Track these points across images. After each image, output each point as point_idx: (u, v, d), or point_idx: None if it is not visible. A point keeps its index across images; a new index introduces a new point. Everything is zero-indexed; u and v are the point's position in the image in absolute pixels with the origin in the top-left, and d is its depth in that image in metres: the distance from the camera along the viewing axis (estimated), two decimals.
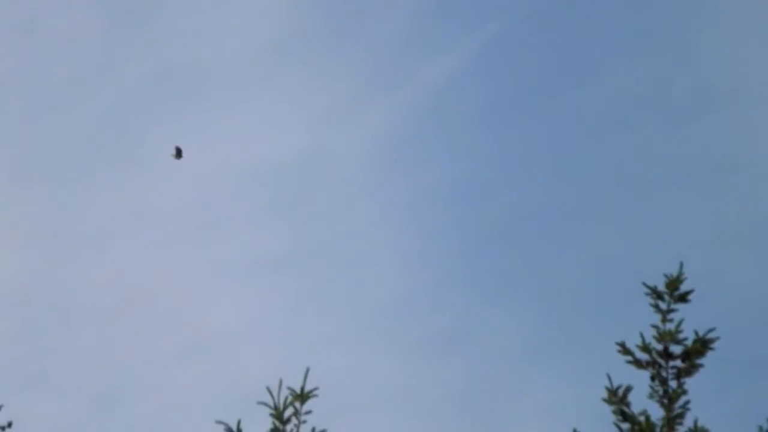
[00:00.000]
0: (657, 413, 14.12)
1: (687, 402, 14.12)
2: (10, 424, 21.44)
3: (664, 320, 14.45)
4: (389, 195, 46.80)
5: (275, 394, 13.93)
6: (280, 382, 13.92)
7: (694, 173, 43.86)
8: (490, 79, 48.82)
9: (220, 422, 13.80)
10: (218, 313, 43.11)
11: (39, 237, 44.00)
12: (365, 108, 47.61)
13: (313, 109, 47.23)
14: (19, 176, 44.36)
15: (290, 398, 13.95)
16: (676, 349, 14.34)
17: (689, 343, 14.29)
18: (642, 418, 13.93)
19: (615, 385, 14.19)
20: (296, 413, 13.99)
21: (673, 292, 14.46)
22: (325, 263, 45.02)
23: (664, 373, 14.26)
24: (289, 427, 13.87)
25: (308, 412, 14.05)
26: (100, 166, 44.33)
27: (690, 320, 14.41)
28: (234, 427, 13.79)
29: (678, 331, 14.33)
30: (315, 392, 14.06)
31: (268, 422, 13.98)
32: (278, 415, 13.87)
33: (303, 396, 13.99)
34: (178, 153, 32.44)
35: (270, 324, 41.88)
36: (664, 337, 14.32)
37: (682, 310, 14.51)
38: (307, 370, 13.98)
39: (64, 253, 43.60)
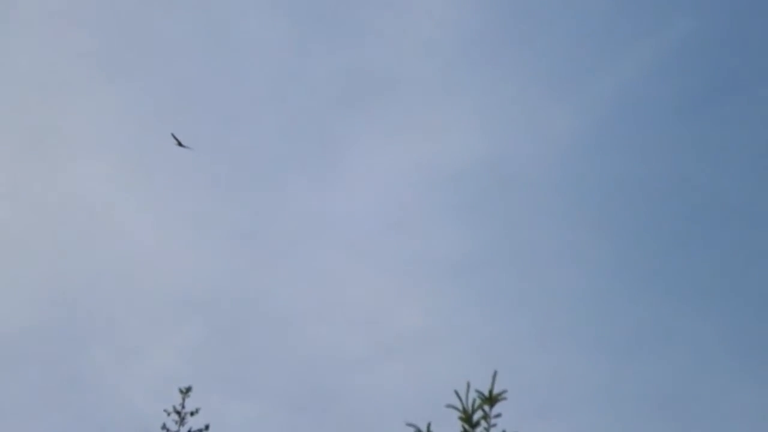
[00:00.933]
0: None
1: None
2: (207, 427, 21.95)
3: None
4: (575, 196, 46.14)
5: (463, 396, 13.80)
6: (468, 385, 13.79)
7: None
8: (680, 75, 47.65)
9: (410, 425, 13.75)
10: (406, 315, 43.34)
11: (238, 241, 45.08)
12: (549, 110, 47.14)
13: (498, 113, 47.04)
14: (217, 182, 45.57)
15: (479, 401, 13.79)
16: None
17: None
18: None
19: None
20: (485, 416, 13.81)
21: None
22: (511, 266, 44.68)
23: None
24: (478, 430, 13.72)
25: (498, 416, 13.86)
26: (294, 169, 45.18)
27: None
28: (424, 430, 13.72)
29: None
30: (504, 395, 13.86)
31: (457, 425, 13.85)
32: (467, 418, 13.74)
33: (492, 399, 13.82)
34: (179, 143, 32.88)
35: (456, 326, 41.85)
36: None
37: None
38: (495, 373, 13.81)
39: (261, 255, 44.59)
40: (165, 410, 21.92)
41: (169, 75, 46.74)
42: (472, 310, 43.07)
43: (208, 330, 40.96)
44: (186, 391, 22.06)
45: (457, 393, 13.86)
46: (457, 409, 13.86)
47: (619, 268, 44.30)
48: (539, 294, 43.52)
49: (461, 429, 13.82)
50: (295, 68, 47.68)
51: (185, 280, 43.75)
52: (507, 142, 46.98)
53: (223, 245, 45.02)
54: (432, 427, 13.80)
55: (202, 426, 21.89)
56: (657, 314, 41.73)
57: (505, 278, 44.17)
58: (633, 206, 45.39)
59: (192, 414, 21.90)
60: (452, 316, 42.63)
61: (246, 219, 45.33)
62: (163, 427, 21.88)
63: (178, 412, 21.93)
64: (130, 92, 46.56)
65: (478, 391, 13.95)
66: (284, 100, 46.75)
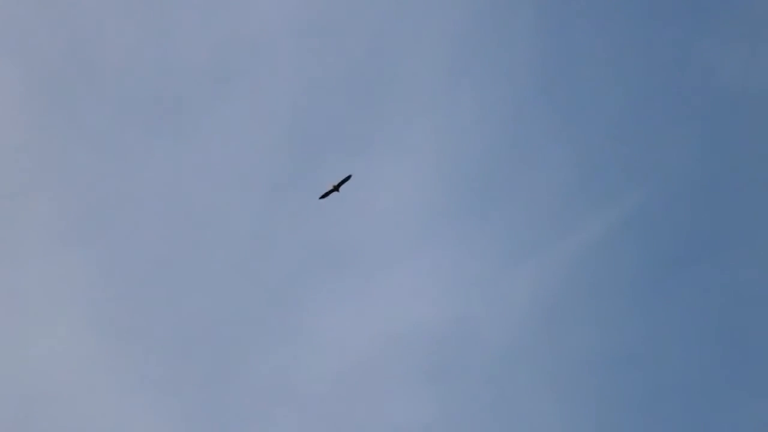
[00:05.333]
0: None
1: None
2: None
3: None
4: (538, 362, 46.23)
5: None
6: None
7: None
8: (638, 244, 48.48)
9: None
10: None
11: (198, 410, 44.57)
12: (512, 274, 47.61)
13: (461, 277, 47.45)
14: (179, 351, 45.44)
15: None
16: None
17: None
18: None
19: None
20: None
21: None
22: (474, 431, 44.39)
23: None
24: None
25: None
26: (259, 338, 45.21)
27: None
28: None
29: None
30: None
31: None
32: None
33: None
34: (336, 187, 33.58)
35: None
36: None
37: None
38: None
39: (222, 426, 44.05)
40: None
41: (133, 241, 47.14)
42: None
43: None
44: None
45: None
46: None
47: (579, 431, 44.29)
48: None
49: None
50: (258, 242, 48.19)
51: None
52: (470, 305, 47.34)
53: (184, 410, 44.58)
54: None
55: None
56: None
57: None
58: (595, 373, 45.63)
59: None
60: None
61: (207, 388, 45.01)
62: None
63: None
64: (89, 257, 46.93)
65: None
66: (248, 272, 47.13)
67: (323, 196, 35.20)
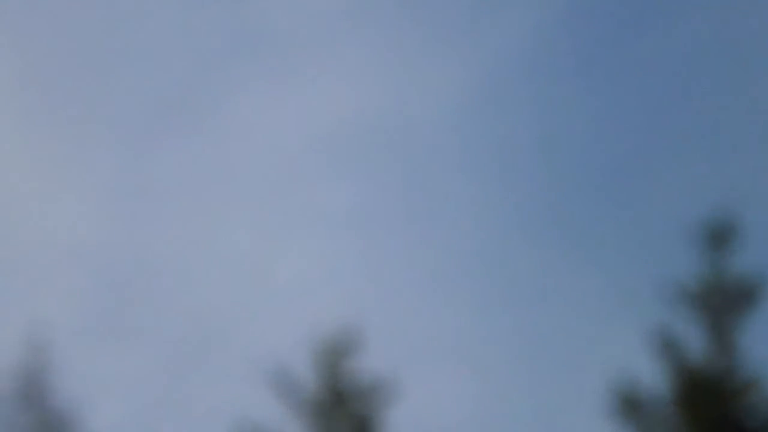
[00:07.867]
0: None
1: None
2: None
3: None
4: (470, 147, 46.86)
5: (319, 342, 14.19)
6: (322, 331, 14.13)
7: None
8: (579, 27, 48.40)
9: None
10: (288, 268, 43.78)
11: (112, 196, 44.92)
12: (442, 62, 47.52)
13: (388, 66, 47.35)
14: (92, 134, 45.40)
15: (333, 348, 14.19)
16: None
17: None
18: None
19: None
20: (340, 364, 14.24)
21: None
22: (399, 220, 45.39)
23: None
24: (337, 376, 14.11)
25: (354, 364, 14.26)
26: (172, 126, 45.19)
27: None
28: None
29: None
30: (361, 342, 14.26)
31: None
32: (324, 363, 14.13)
33: (347, 346, 14.21)
34: None
35: (339, 279, 42.41)
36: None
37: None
38: (348, 320, 14.22)
39: (138, 212, 44.51)
40: None
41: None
42: (357, 261, 43.66)
43: (90, 279, 40.80)
44: None
45: (311, 339, 14.24)
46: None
47: (504, 226, 45.34)
48: (425, 248, 44.36)
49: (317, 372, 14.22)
50: (171, 24, 47.65)
51: (62, 228, 43.54)
52: (398, 95, 47.51)
53: (97, 200, 44.89)
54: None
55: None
56: (538, 269, 42.83)
57: (391, 233, 44.85)
58: (522, 162, 46.39)
59: None
60: (336, 270, 43.18)
61: (119, 174, 45.13)
62: None
63: None
64: None
65: (334, 338, 14.37)
66: (161, 53, 46.75)
67: None
